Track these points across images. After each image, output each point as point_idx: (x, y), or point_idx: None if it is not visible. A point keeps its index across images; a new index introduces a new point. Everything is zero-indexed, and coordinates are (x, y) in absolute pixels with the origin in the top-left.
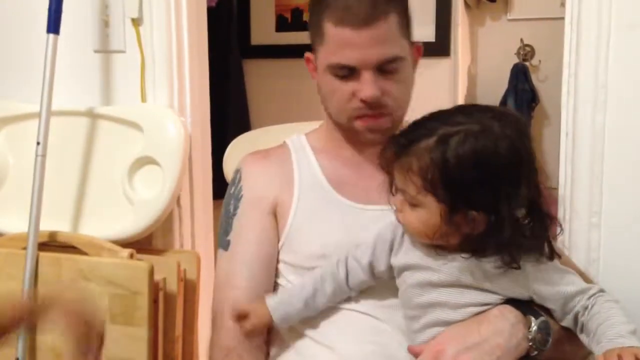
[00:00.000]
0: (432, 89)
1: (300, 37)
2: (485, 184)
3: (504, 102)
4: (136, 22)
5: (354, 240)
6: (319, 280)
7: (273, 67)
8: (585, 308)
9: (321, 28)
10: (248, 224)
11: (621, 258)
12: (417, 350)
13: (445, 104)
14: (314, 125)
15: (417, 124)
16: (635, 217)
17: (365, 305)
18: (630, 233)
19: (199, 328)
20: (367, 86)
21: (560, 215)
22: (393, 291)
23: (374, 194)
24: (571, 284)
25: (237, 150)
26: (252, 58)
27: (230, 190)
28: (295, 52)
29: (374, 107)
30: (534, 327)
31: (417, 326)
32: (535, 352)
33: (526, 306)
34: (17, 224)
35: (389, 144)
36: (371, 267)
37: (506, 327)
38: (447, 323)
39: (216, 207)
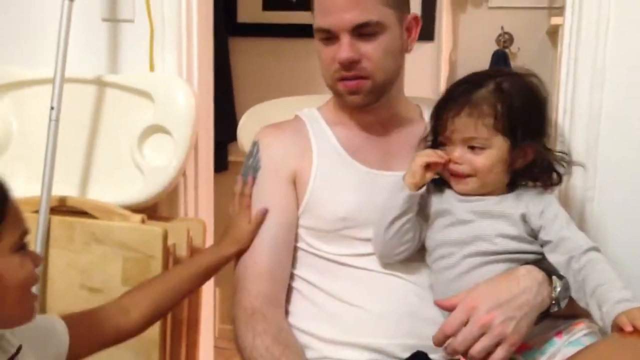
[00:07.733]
0: (416, 72)
1: (287, 17)
2: (536, 114)
3: None
4: None
5: (373, 204)
6: None
7: (259, 45)
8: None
9: None
10: (268, 193)
11: (613, 228)
12: (447, 305)
13: (429, 87)
14: (324, 98)
15: (459, 84)
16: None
17: (391, 265)
18: (623, 207)
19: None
20: (342, 48)
21: None
22: (418, 253)
23: (389, 161)
24: (575, 233)
25: (251, 121)
26: (238, 36)
27: (248, 161)
28: (282, 31)
29: (350, 69)
30: (558, 288)
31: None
32: (555, 309)
33: (550, 268)
34: (22, 187)
35: (447, 103)
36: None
37: (534, 285)
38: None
39: None
